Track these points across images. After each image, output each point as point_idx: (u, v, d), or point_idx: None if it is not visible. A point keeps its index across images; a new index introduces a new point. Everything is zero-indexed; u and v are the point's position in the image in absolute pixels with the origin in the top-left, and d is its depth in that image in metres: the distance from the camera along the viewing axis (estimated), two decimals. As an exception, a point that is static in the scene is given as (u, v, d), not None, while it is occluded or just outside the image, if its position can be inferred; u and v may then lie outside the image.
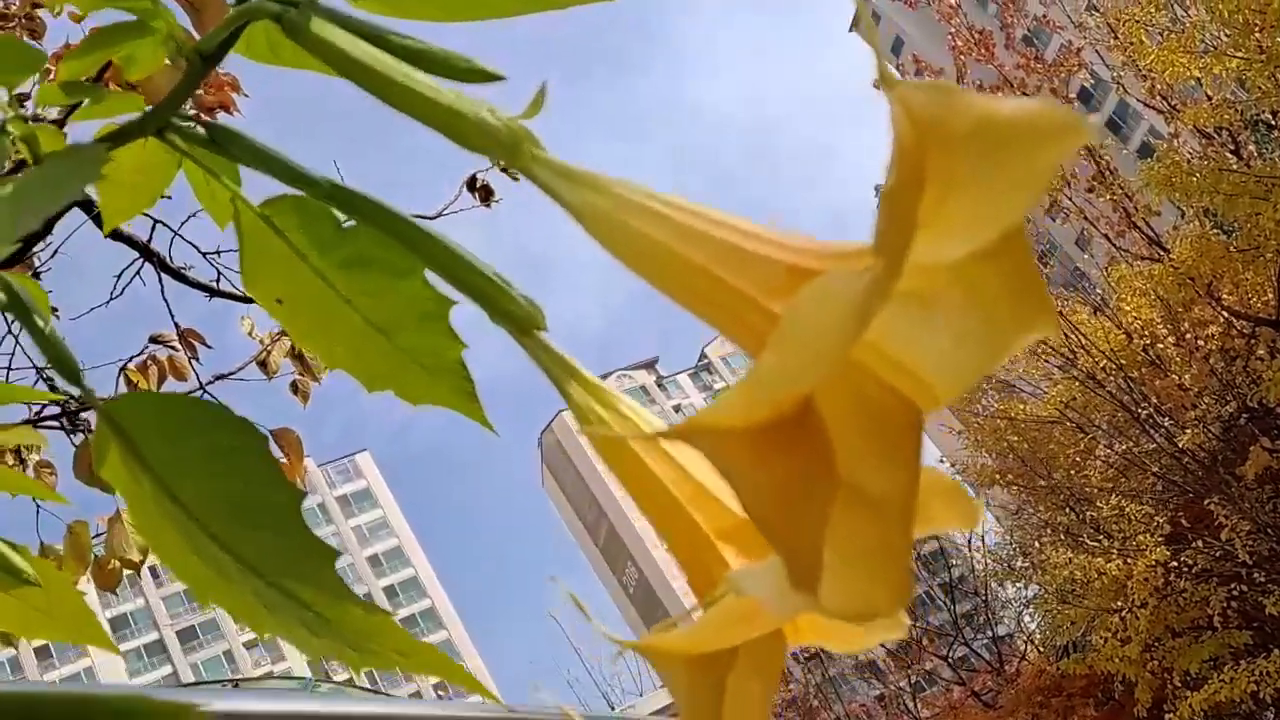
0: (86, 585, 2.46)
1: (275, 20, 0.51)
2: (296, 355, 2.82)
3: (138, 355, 2.53)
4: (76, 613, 0.71)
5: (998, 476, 16.25)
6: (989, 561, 19.34)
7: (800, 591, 0.37)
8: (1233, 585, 11.29)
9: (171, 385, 2.32)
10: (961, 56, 14.61)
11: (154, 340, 2.58)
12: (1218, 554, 11.29)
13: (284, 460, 2.18)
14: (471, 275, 0.54)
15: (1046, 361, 14.66)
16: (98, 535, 2.28)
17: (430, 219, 3.16)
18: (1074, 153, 0.41)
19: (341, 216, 0.57)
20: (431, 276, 0.58)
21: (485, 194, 3.59)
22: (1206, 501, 11.44)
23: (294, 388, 2.82)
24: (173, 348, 2.55)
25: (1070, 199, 13.19)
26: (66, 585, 0.71)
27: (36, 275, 2.67)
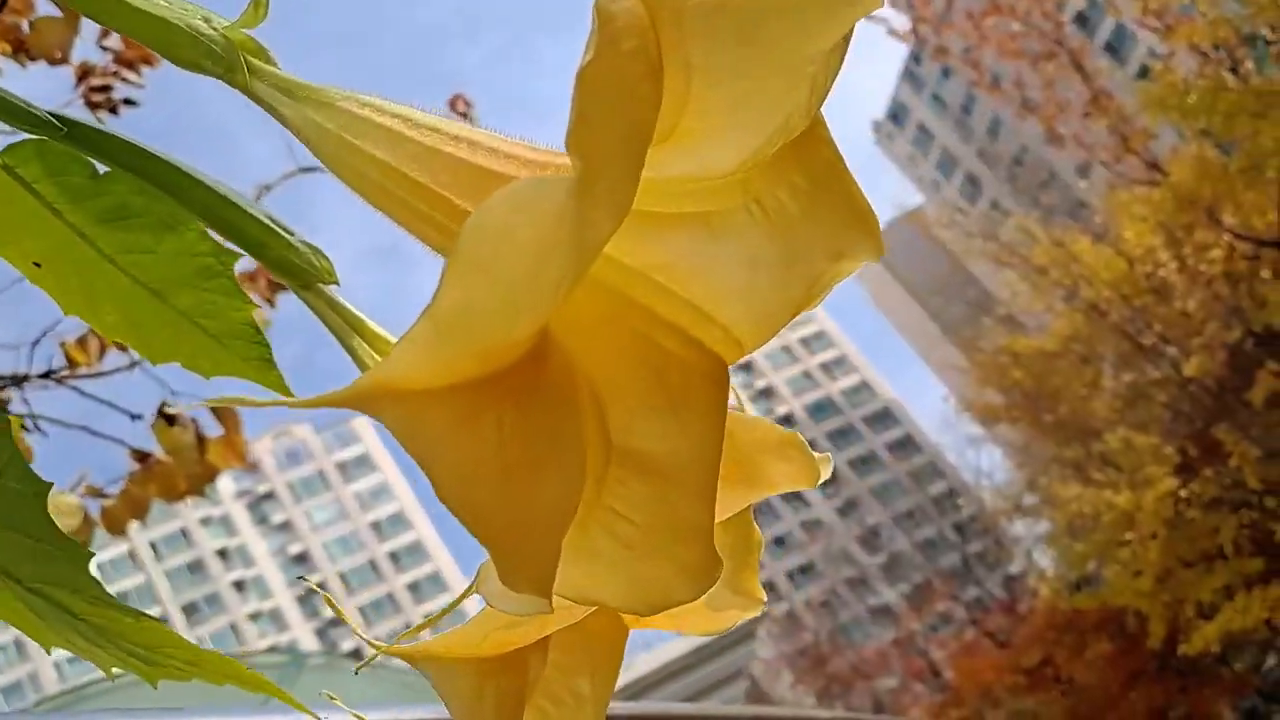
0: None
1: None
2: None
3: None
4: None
5: (1004, 413, 16.17)
6: (998, 500, 19.32)
7: (520, 589, 0.29)
8: (1243, 512, 11.24)
9: (114, 356, 2.20)
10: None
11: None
12: (1227, 482, 11.22)
13: (221, 434, 2.10)
14: (243, 222, 0.46)
15: (1049, 294, 14.54)
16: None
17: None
18: (852, 27, 0.32)
19: (97, 163, 0.50)
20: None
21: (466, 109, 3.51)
22: (1214, 429, 11.36)
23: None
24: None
25: (1065, 125, 12.99)
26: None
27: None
